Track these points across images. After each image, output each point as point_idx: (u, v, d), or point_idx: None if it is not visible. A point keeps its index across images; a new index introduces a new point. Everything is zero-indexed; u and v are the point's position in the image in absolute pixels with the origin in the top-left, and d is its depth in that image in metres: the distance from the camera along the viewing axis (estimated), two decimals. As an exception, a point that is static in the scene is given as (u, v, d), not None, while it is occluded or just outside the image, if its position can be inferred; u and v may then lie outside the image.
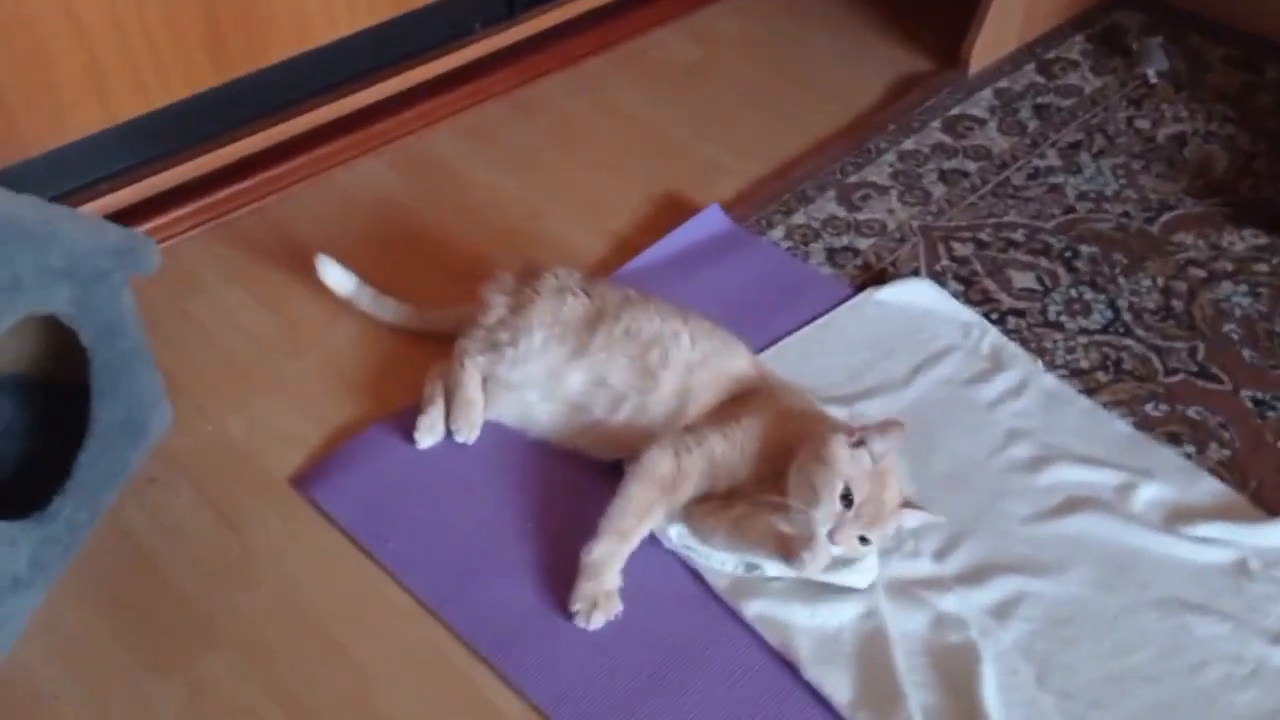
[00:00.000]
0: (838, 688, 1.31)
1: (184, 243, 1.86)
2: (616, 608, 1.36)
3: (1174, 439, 1.61)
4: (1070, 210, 2.00)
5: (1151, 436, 1.61)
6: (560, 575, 1.39)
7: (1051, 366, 1.71)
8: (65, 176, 1.78)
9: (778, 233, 1.92)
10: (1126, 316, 1.80)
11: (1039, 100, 2.26)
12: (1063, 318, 1.79)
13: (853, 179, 2.04)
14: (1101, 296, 1.83)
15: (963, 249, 1.91)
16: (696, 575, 1.42)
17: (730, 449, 1.42)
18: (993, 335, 1.74)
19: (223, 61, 1.83)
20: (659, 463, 1.41)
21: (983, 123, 2.19)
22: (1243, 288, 1.86)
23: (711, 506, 1.43)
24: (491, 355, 1.56)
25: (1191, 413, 1.65)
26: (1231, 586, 1.44)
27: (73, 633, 1.35)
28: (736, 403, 1.48)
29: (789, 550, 1.35)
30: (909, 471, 1.41)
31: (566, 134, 2.15)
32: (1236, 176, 2.09)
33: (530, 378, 1.53)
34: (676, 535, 1.43)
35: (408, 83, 2.11)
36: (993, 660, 1.33)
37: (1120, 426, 1.62)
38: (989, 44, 2.31)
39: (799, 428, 1.42)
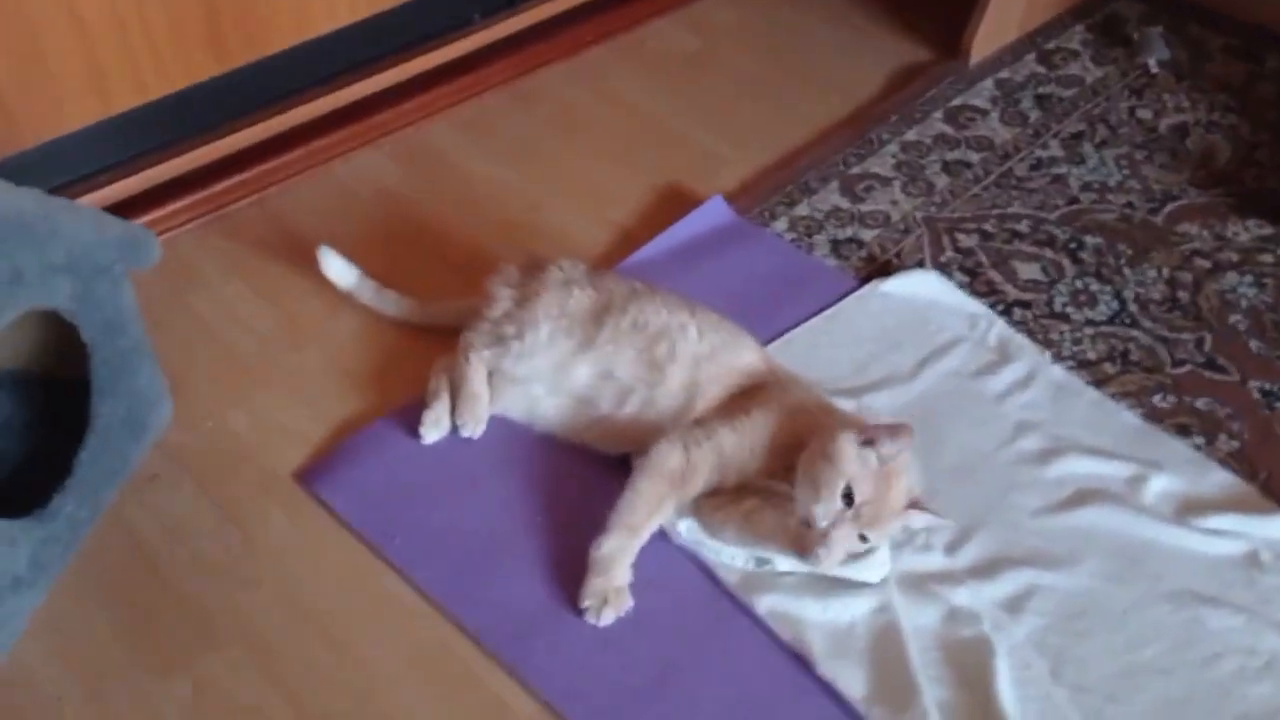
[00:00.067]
0: (851, 683, 1.30)
1: (182, 235, 1.84)
2: (627, 603, 1.34)
3: (1183, 430, 1.61)
4: (1074, 201, 1.99)
5: (1161, 428, 1.61)
6: (569, 571, 1.37)
7: (1059, 358, 1.70)
8: (62, 169, 1.75)
9: (781, 224, 1.91)
10: (1133, 308, 1.79)
11: (1040, 90, 2.25)
12: (1069, 309, 1.78)
13: (855, 170, 2.03)
14: (1107, 288, 1.82)
15: (967, 240, 1.90)
16: (707, 570, 1.40)
17: (740, 443, 1.41)
18: (1000, 326, 1.73)
19: (222, 51, 1.81)
20: (668, 457, 1.40)
21: (985, 113, 2.18)
22: (1248, 278, 1.85)
23: (721, 500, 1.42)
24: (497, 349, 1.54)
25: (1200, 404, 1.65)
26: (1243, 579, 1.43)
27: (74, 632, 1.33)
28: (745, 396, 1.47)
29: (801, 545, 1.34)
30: (921, 470, 1.40)
31: (566, 125, 2.13)
32: (1239, 167, 2.08)
33: (536, 371, 1.52)
34: (686, 530, 1.42)
35: (407, 74, 2.09)
36: (1006, 654, 1.33)
37: (1129, 418, 1.62)
38: (990, 34, 2.30)
39: (809, 421, 1.41)
